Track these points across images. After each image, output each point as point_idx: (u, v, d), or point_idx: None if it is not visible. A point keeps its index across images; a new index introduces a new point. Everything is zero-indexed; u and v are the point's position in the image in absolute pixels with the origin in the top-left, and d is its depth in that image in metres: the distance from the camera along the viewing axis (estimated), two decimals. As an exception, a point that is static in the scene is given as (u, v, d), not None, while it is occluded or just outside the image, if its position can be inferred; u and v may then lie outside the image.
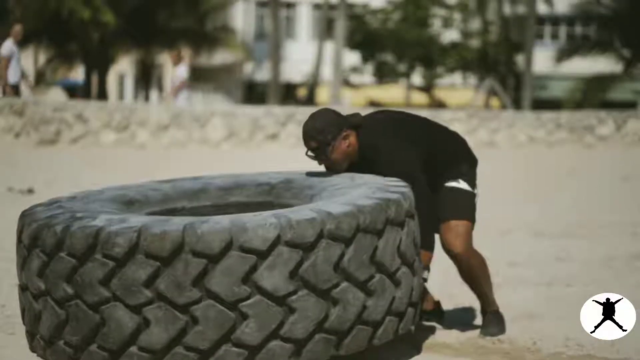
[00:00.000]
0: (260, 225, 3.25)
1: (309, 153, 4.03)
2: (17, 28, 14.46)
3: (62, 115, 14.46)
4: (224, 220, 3.27)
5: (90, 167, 11.70)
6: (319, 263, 3.34)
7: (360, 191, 3.67)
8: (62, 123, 14.46)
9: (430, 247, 4.02)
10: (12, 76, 14.36)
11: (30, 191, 8.92)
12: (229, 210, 4.04)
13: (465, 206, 4.24)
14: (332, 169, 4.10)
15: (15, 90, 14.56)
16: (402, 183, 3.84)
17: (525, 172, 13.38)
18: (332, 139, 3.99)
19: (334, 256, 3.37)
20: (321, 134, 3.98)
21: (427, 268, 4.04)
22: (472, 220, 4.26)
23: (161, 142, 15.01)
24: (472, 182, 4.31)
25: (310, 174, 4.11)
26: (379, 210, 3.52)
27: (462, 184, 4.26)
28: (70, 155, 13.22)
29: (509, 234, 7.84)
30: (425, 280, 4.04)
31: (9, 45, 14.21)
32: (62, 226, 3.35)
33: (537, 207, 9.65)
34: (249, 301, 3.24)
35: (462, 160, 4.31)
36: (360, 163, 4.09)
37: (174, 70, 15.97)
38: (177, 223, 3.26)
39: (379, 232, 3.52)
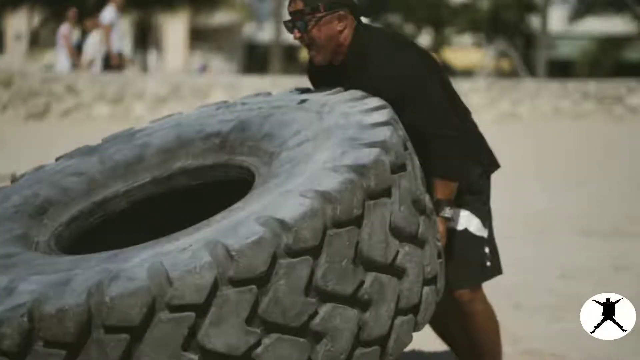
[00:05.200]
0: (188, 270, 2.34)
1: (288, 20, 3.05)
2: None
3: (51, 87, 13.80)
4: (139, 273, 2.38)
5: (81, 143, 10.96)
6: (281, 295, 2.41)
7: (325, 155, 2.67)
8: (51, 95, 13.81)
9: (454, 175, 3.04)
10: (115, 43, 14.32)
11: (14, 180, 8.18)
12: (175, 183, 3.16)
13: (473, 269, 3.17)
14: (308, 51, 3.07)
15: (120, 57, 14.48)
16: (383, 116, 2.79)
17: (555, 150, 12.66)
18: (324, 9, 3.00)
19: (301, 278, 2.44)
20: None
21: (449, 203, 3.04)
22: (482, 281, 3.22)
23: (159, 115, 14.12)
24: (482, 212, 3.19)
25: (268, 112, 3.09)
26: (353, 188, 2.52)
27: (470, 220, 3.15)
28: (60, 130, 12.60)
29: (551, 231, 7.06)
30: (448, 219, 3.04)
31: (110, 12, 14.06)
32: None
33: (576, 196, 8.91)
34: None
35: (476, 157, 3.21)
36: (344, 75, 3.07)
37: (90, 37, 14.92)
38: (78, 289, 2.39)
39: (357, 219, 2.54)
